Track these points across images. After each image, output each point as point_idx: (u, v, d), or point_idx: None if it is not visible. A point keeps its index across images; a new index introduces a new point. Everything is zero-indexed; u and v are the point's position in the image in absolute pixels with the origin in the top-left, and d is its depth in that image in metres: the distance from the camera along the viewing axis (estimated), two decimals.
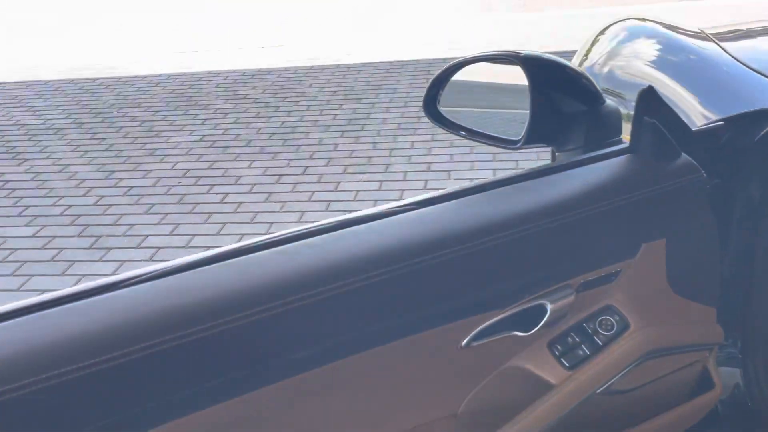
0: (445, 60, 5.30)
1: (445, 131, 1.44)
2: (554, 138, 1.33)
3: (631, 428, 1.25)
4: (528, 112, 1.24)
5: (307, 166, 4.21)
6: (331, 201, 3.76)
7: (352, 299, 0.96)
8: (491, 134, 1.39)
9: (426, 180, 3.90)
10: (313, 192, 3.88)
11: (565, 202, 1.13)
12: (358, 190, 3.86)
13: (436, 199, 1.13)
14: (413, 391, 1.05)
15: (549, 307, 1.08)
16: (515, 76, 1.27)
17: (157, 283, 0.91)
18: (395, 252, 1.01)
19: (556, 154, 1.43)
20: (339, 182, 3.97)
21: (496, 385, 1.12)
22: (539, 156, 3.92)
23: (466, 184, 1.17)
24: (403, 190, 3.81)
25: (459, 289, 1.05)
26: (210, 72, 6.27)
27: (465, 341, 1.05)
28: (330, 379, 0.95)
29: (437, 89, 1.37)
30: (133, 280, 0.90)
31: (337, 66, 6.15)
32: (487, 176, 3.84)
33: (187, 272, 0.94)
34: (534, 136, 1.25)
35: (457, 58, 1.39)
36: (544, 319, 1.08)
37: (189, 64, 6.58)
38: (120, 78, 6.28)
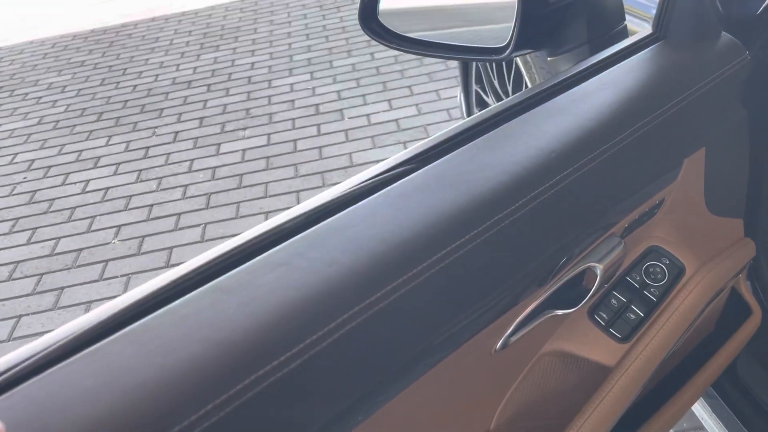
0: None
1: (393, 49, 1.04)
2: (546, 39, 1.02)
3: (688, 383, 1.03)
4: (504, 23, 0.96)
5: (177, 131, 3.62)
6: (215, 167, 3.23)
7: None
8: (466, 45, 1.03)
9: (318, 124, 3.45)
10: (192, 160, 3.32)
11: (601, 127, 0.79)
12: (244, 149, 3.34)
13: (429, 153, 0.74)
14: (443, 408, 0.75)
15: (599, 268, 0.78)
16: None
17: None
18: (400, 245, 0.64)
19: (548, 59, 1.09)
20: (219, 144, 3.43)
21: (535, 379, 0.84)
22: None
23: (450, 131, 0.78)
24: (295, 140, 3.34)
25: (492, 274, 0.70)
26: (32, 42, 5.35)
27: (499, 343, 0.71)
28: None
29: None
30: None
31: (183, 13, 5.43)
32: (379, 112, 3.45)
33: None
34: (524, 40, 0.94)
35: None
36: (596, 284, 0.78)
37: (2, 36, 5.59)
38: None
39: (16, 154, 3.67)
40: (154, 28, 5.22)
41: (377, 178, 0.70)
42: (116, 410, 0.48)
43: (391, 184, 0.69)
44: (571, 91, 0.84)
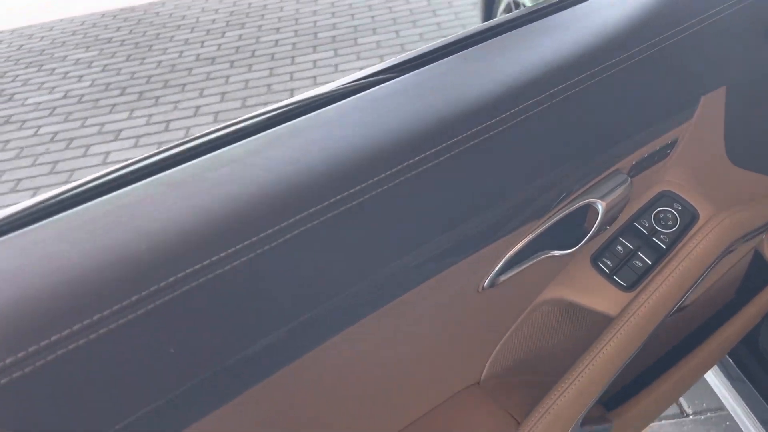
0: None
1: None
2: None
3: (705, 341, 0.98)
4: None
5: (199, 106, 3.60)
6: None
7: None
8: None
9: None
10: None
11: (600, 48, 0.73)
12: None
13: (415, 61, 0.69)
14: (430, 353, 0.71)
15: (601, 205, 0.72)
16: None
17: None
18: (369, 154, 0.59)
19: None
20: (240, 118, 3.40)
21: (530, 329, 0.79)
22: None
23: (446, 40, 0.74)
24: None
25: (476, 198, 0.64)
26: (62, 19, 5.39)
27: (488, 279, 0.65)
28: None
29: None
30: None
31: None
32: None
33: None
34: None
35: None
36: (596, 225, 0.72)
37: (35, 14, 5.65)
38: None
39: (40, 126, 3.69)
40: (182, 6, 5.21)
41: (352, 84, 0.64)
42: (37, 293, 0.45)
43: (366, 90, 0.64)
44: (576, 7, 0.78)
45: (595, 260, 0.79)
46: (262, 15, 4.75)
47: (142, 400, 0.45)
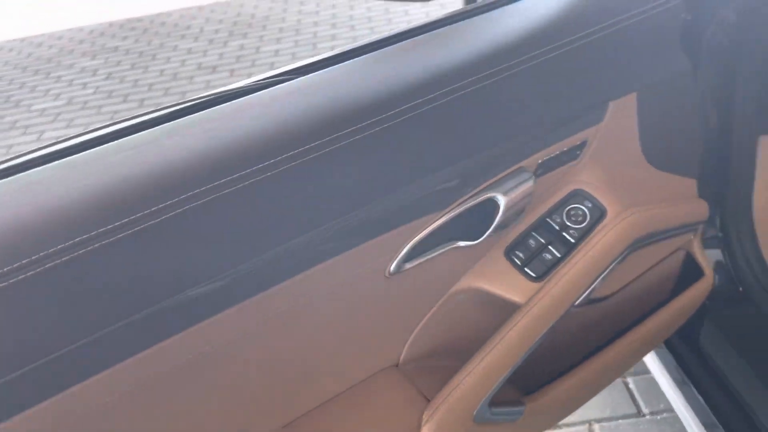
0: None
1: None
2: None
3: (625, 334, 1.02)
4: None
5: None
6: None
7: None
8: None
9: None
10: None
11: (506, 48, 0.78)
12: None
13: (335, 59, 0.75)
14: (340, 336, 0.76)
15: (502, 200, 0.77)
16: None
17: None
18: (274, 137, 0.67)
19: None
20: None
21: (447, 316, 0.85)
22: None
23: (372, 38, 0.81)
24: None
25: (377, 185, 0.71)
26: (71, 29, 5.52)
27: (393, 264, 0.71)
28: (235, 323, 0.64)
29: None
30: None
31: (216, 2, 5.52)
32: None
33: None
34: None
35: None
36: (497, 219, 0.76)
37: (45, 23, 5.78)
38: None
39: (44, 131, 3.79)
40: (187, 17, 5.32)
41: (255, 83, 0.71)
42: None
43: (267, 89, 0.70)
44: (488, 13, 0.84)
45: (508, 253, 0.85)
46: (264, 26, 4.85)
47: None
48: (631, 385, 1.68)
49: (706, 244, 1.33)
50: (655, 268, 1.06)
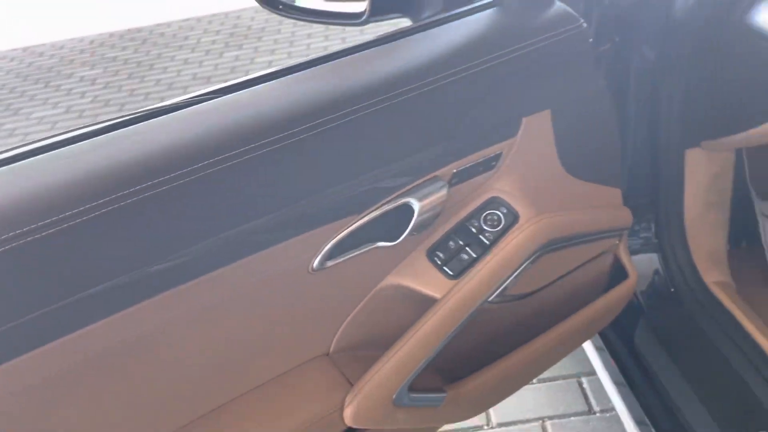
0: None
1: (286, 16, 1.16)
2: (406, 6, 1.13)
3: (547, 330, 1.10)
4: None
5: None
6: None
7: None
8: (332, 10, 1.16)
9: None
10: None
11: (422, 67, 0.88)
12: None
13: (268, 76, 0.85)
14: (270, 325, 0.85)
15: (416, 205, 0.86)
16: None
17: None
18: (212, 141, 0.77)
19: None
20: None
21: (374, 310, 0.93)
22: None
23: (307, 58, 0.90)
24: None
25: (298, 189, 0.80)
26: (72, 39, 5.65)
27: (316, 261, 0.79)
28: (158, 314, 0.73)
29: None
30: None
31: (213, 14, 5.64)
32: None
33: None
34: (381, 5, 1.05)
35: None
36: (412, 222, 0.85)
37: (47, 33, 5.91)
38: None
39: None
40: (186, 28, 5.44)
41: (187, 101, 0.80)
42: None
43: (198, 104, 0.80)
44: (408, 37, 0.93)
45: (430, 253, 0.93)
46: (260, 37, 4.96)
47: None
48: (585, 385, 1.76)
49: (645, 249, 1.42)
50: (581, 269, 1.14)
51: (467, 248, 0.93)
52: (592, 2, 1.23)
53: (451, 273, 0.92)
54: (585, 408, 1.69)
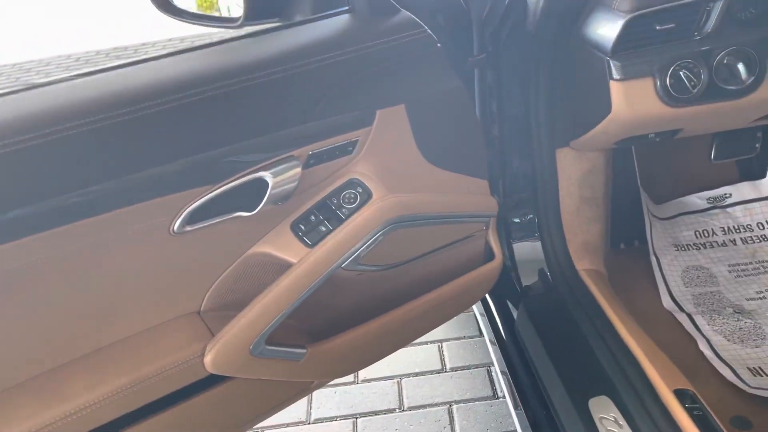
0: None
1: (173, 18, 1.31)
2: (278, 11, 1.25)
3: (415, 299, 1.23)
4: None
5: None
6: None
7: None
8: (212, 14, 1.31)
9: None
10: None
11: (281, 55, 1.02)
12: None
13: (162, 57, 1.00)
14: (140, 279, 0.96)
15: (270, 180, 0.98)
16: None
17: None
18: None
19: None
20: None
21: (243, 274, 1.06)
22: None
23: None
24: None
25: (159, 154, 0.92)
26: (60, 56, 5.83)
27: (176, 225, 0.92)
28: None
29: None
30: None
31: (198, 35, 5.84)
32: None
33: None
34: (255, 11, 1.17)
35: None
36: (266, 195, 0.97)
37: (36, 51, 6.11)
38: None
39: None
40: (170, 46, 5.62)
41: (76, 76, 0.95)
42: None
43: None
44: (267, 35, 1.07)
45: (294, 226, 1.06)
46: None
47: None
48: (494, 373, 1.88)
49: (527, 237, 1.55)
50: (452, 249, 1.27)
51: (326, 222, 1.06)
52: (473, 19, 1.40)
53: (309, 243, 1.05)
54: (490, 393, 1.81)
